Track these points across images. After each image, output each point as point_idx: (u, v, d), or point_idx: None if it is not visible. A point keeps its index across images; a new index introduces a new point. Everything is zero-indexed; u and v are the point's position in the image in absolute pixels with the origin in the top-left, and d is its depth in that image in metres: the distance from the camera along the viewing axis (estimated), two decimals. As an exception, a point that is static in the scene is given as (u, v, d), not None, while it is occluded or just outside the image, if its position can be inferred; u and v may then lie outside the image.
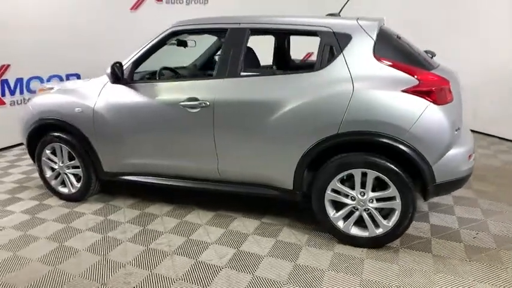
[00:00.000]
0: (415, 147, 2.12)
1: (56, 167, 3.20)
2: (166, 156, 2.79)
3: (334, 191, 2.36)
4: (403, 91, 2.13)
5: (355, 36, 2.30)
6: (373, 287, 2.02)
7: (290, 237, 2.58)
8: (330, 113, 2.23)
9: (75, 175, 3.18)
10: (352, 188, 2.33)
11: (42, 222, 2.89)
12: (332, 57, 2.32)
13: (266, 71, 2.70)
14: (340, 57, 2.29)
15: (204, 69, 3.71)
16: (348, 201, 2.35)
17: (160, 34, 2.75)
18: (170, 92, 2.69)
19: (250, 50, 2.66)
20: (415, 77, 2.17)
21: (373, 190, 2.29)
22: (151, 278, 2.16)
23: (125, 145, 2.87)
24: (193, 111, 2.56)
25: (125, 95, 2.79)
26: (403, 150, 2.13)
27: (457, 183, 2.26)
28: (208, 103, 2.51)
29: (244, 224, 2.79)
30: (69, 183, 3.20)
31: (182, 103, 2.58)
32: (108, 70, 2.68)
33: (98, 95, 2.89)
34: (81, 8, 5.90)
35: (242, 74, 2.50)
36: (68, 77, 6.10)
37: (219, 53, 3.67)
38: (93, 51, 6.04)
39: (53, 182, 3.27)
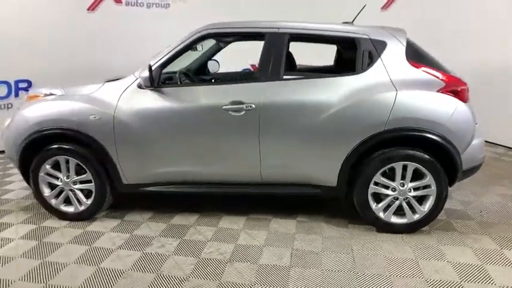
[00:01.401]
0: (449, 139, 2.44)
1: (58, 183, 2.83)
2: (203, 162, 2.69)
3: (376, 184, 2.57)
4: (438, 91, 2.45)
5: (389, 42, 2.56)
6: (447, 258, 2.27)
7: (333, 231, 2.71)
8: (377, 112, 2.43)
9: (82, 190, 2.85)
10: (391, 180, 2.56)
11: (57, 246, 2.54)
12: (371, 61, 2.54)
13: (308, 73, 2.80)
14: (379, 61, 2.52)
15: (199, 73, 3.63)
16: (389, 192, 2.58)
17: (191, 36, 2.66)
18: (208, 96, 2.61)
19: (289, 54, 2.73)
20: (441, 79, 2.51)
21: (410, 180, 2.56)
22: (225, 287, 2.09)
23: (154, 154, 2.69)
24: (238, 115, 2.54)
25: (154, 100, 2.62)
26: (440, 143, 2.43)
27: (475, 169, 2.65)
28: (253, 106, 2.52)
29: (282, 224, 2.84)
30: (75, 200, 2.86)
31: (225, 107, 2.54)
32: (145, 74, 2.49)
33: (118, 100, 2.66)
34: (33, 8, 5.25)
35: (285, 77, 2.57)
36: (18, 83, 5.37)
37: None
38: (46, 56, 5.44)
39: (53, 201, 2.88)
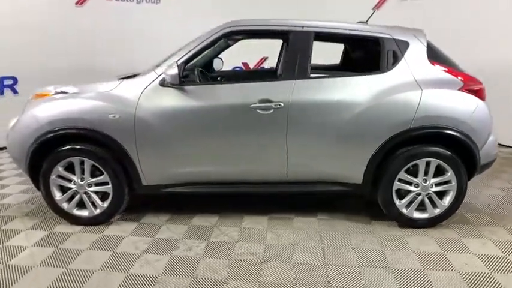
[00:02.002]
0: (471, 136, 2.53)
1: (71, 186, 2.68)
2: (229, 161, 2.64)
3: (400, 180, 2.63)
4: (459, 90, 2.54)
5: (411, 43, 2.62)
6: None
7: (357, 228, 2.74)
8: (404, 110, 2.49)
9: (96, 193, 2.71)
10: (414, 176, 2.63)
11: (77, 253, 2.40)
12: (395, 61, 2.59)
13: (335, 72, 2.80)
14: (403, 61, 2.58)
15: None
16: (412, 188, 2.65)
17: (214, 34, 2.59)
18: (235, 94, 2.56)
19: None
20: (460, 78, 2.60)
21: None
22: None
23: (177, 153, 2.60)
24: (266, 113, 2.51)
25: (178, 98, 2.53)
26: (463, 139, 2.52)
27: (490, 163, 2.77)
28: (282, 104, 2.50)
29: (305, 222, 2.84)
30: (89, 203, 2.71)
31: (253, 105, 2.50)
32: (173, 71, 2.40)
33: (139, 98, 2.55)
34: (20, 2, 4.94)
35: (312, 75, 2.57)
36: (3, 80, 5.04)
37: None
38: (33, 52, 5.15)
39: (65, 205, 2.72)
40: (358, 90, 2.54)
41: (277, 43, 6.58)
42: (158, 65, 2.68)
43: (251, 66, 7.23)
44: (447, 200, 2.66)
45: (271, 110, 2.50)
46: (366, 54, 2.93)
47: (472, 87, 2.59)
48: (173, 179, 2.70)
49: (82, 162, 2.63)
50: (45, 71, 5.28)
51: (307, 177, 2.70)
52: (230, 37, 2.66)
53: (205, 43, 2.60)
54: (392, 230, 2.72)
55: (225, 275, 2.17)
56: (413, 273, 2.19)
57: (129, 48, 6.14)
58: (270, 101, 2.50)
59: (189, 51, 2.59)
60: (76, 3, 5.61)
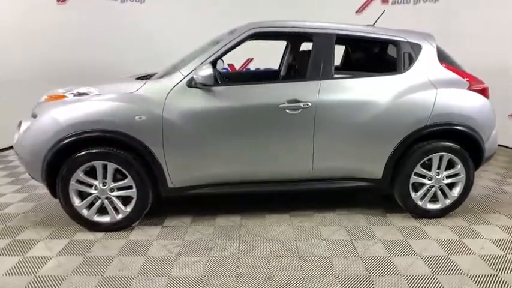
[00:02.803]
0: (478, 131, 2.76)
1: (92, 191, 2.58)
2: (256, 160, 2.67)
3: (416, 174, 2.81)
4: (468, 89, 2.76)
5: (423, 45, 2.81)
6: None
7: (377, 220, 2.89)
8: (422, 108, 2.66)
9: (118, 198, 2.64)
10: (428, 170, 2.82)
11: (108, 260, 2.32)
12: (410, 62, 2.76)
13: (356, 73, 2.91)
14: (417, 62, 2.76)
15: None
16: (426, 181, 2.84)
17: (240, 35, 2.62)
18: (264, 94, 2.59)
19: None
20: (466, 79, 2.83)
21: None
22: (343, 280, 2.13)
23: (205, 154, 2.59)
24: (294, 113, 2.57)
25: (206, 99, 2.53)
26: (472, 134, 2.74)
27: (491, 157, 3.03)
28: (310, 104, 2.58)
29: (325, 217, 2.93)
30: (111, 209, 2.63)
31: (282, 105, 2.56)
32: (207, 72, 2.39)
33: (165, 99, 2.51)
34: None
35: (335, 76, 2.67)
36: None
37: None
38: (12, 50, 4.83)
39: (84, 212, 2.61)
40: (379, 90, 2.68)
41: (263, 44, 6.68)
42: (176, 67, 2.66)
43: (237, 67, 7.27)
44: (456, 191, 2.88)
45: (300, 110, 2.57)
46: (382, 56, 3.08)
47: (477, 86, 2.83)
48: (200, 180, 2.69)
49: (104, 166, 2.54)
50: (26, 70, 4.99)
51: (331, 174, 2.80)
52: (253, 38, 2.69)
53: (231, 44, 2.62)
54: (409, 221, 2.89)
55: (266, 272, 2.21)
56: (440, 260, 2.35)
57: (112, 47, 5.93)
58: (298, 101, 2.57)
59: (215, 53, 2.59)
60: (58, 0, 5.34)
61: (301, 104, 2.57)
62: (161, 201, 2.92)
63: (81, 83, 2.76)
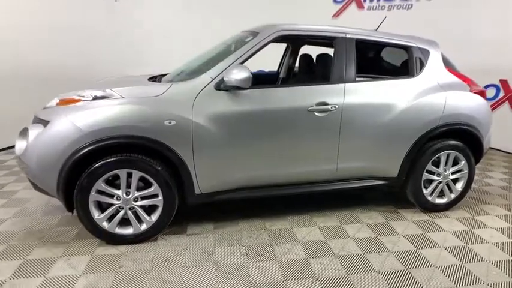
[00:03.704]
0: (479, 129, 3.02)
1: (114, 202, 2.41)
2: (285, 163, 2.67)
3: (427, 171, 3.00)
4: (470, 92, 3.01)
5: (431, 51, 3.01)
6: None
7: (393, 216, 3.03)
8: (435, 110, 2.84)
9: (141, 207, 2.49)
10: (436, 167, 3.03)
11: (145, 273, 2.18)
12: (421, 67, 2.94)
13: (376, 76, 3.01)
14: (427, 67, 2.95)
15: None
16: (435, 177, 3.04)
17: (266, 37, 2.60)
18: (292, 97, 2.60)
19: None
20: (467, 82, 3.09)
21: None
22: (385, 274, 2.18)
23: (234, 159, 2.54)
24: (322, 116, 2.62)
25: (236, 102, 2.47)
26: (475, 133, 2.99)
27: (486, 153, 3.33)
28: (337, 107, 2.64)
29: (344, 216, 3.02)
30: (135, 219, 2.47)
31: (311, 108, 2.59)
32: (244, 74, 2.33)
33: (193, 102, 2.42)
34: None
35: (357, 79, 2.76)
36: None
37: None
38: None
39: (105, 225, 2.43)
40: (396, 92, 2.82)
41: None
42: (198, 69, 2.59)
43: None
44: (460, 186, 3.13)
45: (327, 113, 2.62)
46: (394, 60, 3.24)
47: (477, 89, 3.10)
48: (227, 185, 2.63)
49: (128, 175, 2.38)
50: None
51: (352, 174, 2.89)
52: (278, 41, 2.69)
53: (257, 47, 2.58)
54: (420, 216, 3.08)
55: (310, 274, 2.22)
56: (461, 249, 2.55)
57: (83, 46, 5.56)
58: (326, 104, 2.62)
59: (242, 56, 2.54)
60: (28, -5, 4.86)
61: (329, 107, 2.62)
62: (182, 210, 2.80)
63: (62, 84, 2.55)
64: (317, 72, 3.03)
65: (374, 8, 6.65)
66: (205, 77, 2.50)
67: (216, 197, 2.63)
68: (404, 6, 6.36)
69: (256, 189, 2.72)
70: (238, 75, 2.35)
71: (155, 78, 3.06)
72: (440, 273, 2.27)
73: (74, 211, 2.39)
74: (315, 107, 2.60)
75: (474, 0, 5.52)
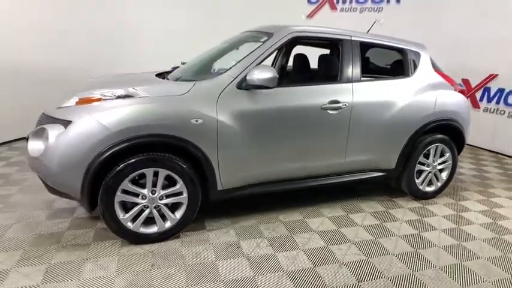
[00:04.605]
0: (462, 124, 3.41)
1: (140, 201, 2.40)
2: (299, 158, 2.82)
3: (419, 163, 3.32)
4: (455, 90, 3.38)
5: (421, 53, 3.33)
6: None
7: (388, 205, 3.32)
8: (428, 106, 3.17)
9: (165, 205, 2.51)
10: (426, 158, 3.37)
11: (183, 269, 2.21)
12: (414, 68, 3.25)
13: (378, 76, 3.23)
14: (419, 68, 3.26)
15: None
16: (425, 168, 3.38)
17: (282, 38, 2.72)
18: (307, 96, 2.75)
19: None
20: (450, 82, 3.46)
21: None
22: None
23: (254, 155, 2.64)
24: (334, 113, 2.81)
25: (257, 101, 2.57)
26: (458, 127, 3.37)
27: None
28: (347, 104, 2.84)
29: (348, 206, 3.25)
30: (159, 218, 2.49)
31: (324, 106, 2.76)
32: (270, 74, 2.42)
33: (217, 101, 2.49)
34: None
35: (362, 79, 2.99)
36: None
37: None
38: None
39: (129, 225, 2.42)
40: (396, 91, 3.10)
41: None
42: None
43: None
44: (445, 175, 3.50)
45: (339, 110, 2.82)
46: (391, 61, 3.52)
47: (459, 88, 3.48)
48: (246, 181, 2.72)
49: (154, 174, 2.39)
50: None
51: (358, 167, 3.12)
52: (292, 42, 2.82)
53: (274, 47, 2.70)
54: (413, 203, 3.40)
55: (336, 260, 2.41)
56: (455, 231, 2.89)
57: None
58: (338, 102, 2.81)
59: (260, 56, 2.64)
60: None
61: (341, 105, 2.82)
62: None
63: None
64: (322, 71, 3.21)
65: (346, 9, 7.01)
66: (227, 76, 2.56)
67: (236, 192, 2.71)
68: (375, 9, 6.79)
69: (272, 184, 2.84)
70: (263, 74, 2.45)
71: (163, 75, 3.08)
72: (445, 252, 2.56)
73: (92, 212, 2.35)
74: (327, 105, 2.78)
75: (439, 4, 6.04)
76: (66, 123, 2.26)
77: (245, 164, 2.65)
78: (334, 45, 3.00)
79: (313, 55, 3.62)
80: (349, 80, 2.93)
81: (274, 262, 2.35)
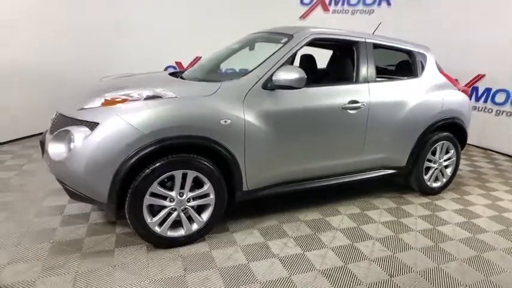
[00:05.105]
0: (465, 122, 3.56)
1: (168, 204, 2.35)
2: (321, 157, 2.85)
3: (427, 160, 3.45)
4: (458, 90, 3.52)
5: (427, 55, 3.45)
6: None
7: (400, 201, 3.42)
8: (436, 106, 3.29)
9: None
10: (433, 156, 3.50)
11: (223, 275, 2.18)
12: (422, 69, 3.36)
13: (391, 76, 3.31)
14: (426, 69, 3.38)
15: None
16: (432, 165, 3.50)
17: (302, 40, 2.74)
18: (329, 96, 2.78)
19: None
20: (452, 82, 3.61)
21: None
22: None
23: (279, 155, 2.64)
24: (353, 113, 2.86)
25: (281, 101, 2.58)
26: (462, 125, 3.52)
27: (466, 140, 3.90)
28: (365, 104, 2.90)
29: (363, 203, 3.32)
30: (186, 221, 2.44)
31: (344, 106, 2.81)
32: (298, 75, 2.42)
33: (243, 101, 2.47)
34: None
35: (377, 79, 3.06)
36: None
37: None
38: None
39: (157, 229, 2.35)
40: (408, 91, 3.19)
41: (212, 43, 6.81)
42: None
43: (185, 65, 7.07)
44: (449, 171, 3.65)
45: (357, 110, 2.87)
46: (395, 62, 3.61)
47: (461, 88, 3.64)
48: (270, 181, 2.72)
49: (183, 176, 2.34)
50: None
51: (373, 165, 3.19)
52: (311, 43, 2.84)
53: (295, 49, 2.72)
54: (421, 199, 3.52)
55: (364, 256, 2.45)
56: (467, 224, 3.02)
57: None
58: (357, 102, 2.86)
59: (283, 57, 2.64)
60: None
61: (360, 105, 2.87)
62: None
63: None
64: (335, 72, 3.25)
65: (339, 11, 7.15)
66: (253, 76, 2.55)
67: (259, 192, 2.70)
68: (367, 11, 6.96)
69: (293, 183, 2.85)
70: (291, 75, 2.45)
71: (176, 75, 3.03)
72: (463, 245, 2.68)
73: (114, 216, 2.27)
74: (347, 105, 2.83)
75: (429, 6, 6.26)
76: (92, 125, 2.17)
77: (270, 164, 2.65)
78: (347, 47, 3.06)
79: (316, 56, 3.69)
80: (366, 80, 2.99)
81: (306, 261, 2.36)
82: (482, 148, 5.67)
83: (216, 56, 3.40)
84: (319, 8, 7.20)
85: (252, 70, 2.60)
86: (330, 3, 7.09)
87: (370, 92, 2.96)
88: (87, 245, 2.42)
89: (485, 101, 5.53)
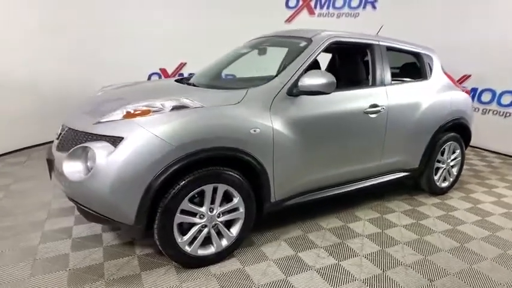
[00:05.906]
0: (469, 122, 3.66)
1: (198, 220, 2.20)
2: (345, 163, 2.81)
3: (437, 161, 3.50)
4: (462, 91, 3.62)
5: (433, 57, 3.52)
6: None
7: (413, 203, 3.44)
8: (446, 107, 3.35)
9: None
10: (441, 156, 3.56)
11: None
12: (430, 70, 3.42)
13: (404, 79, 3.31)
14: (434, 71, 3.44)
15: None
16: (441, 165, 3.57)
17: (321, 44, 2.68)
18: (352, 100, 2.74)
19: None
20: (456, 83, 3.71)
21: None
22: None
23: (305, 163, 2.56)
24: (373, 117, 2.84)
25: (306, 107, 2.50)
26: (467, 126, 3.61)
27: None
28: (384, 108, 2.89)
29: (377, 207, 3.31)
30: (216, 237, 2.30)
31: (366, 110, 2.78)
32: (328, 79, 2.34)
33: (270, 109, 2.37)
34: None
35: (392, 82, 3.07)
36: None
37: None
38: None
39: (187, 248, 2.20)
40: (420, 93, 3.24)
41: (196, 49, 6.67)
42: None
43: (169, 72, 6.87)
44: (455, 171, 3.73)
45: (378, 114, 2.86)
46: (405, 65, 3.65)
47: (464, 89, 3.75)
48: (296, 190, 2.63)
49: (214, 190, 2.20)
50: None
51: (390, 168, 3.19)
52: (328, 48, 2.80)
53: (316, 53, 2.66)
54: (432, 199, 3.57)
55: (398, 263, 2.42)
56: (483, 223, 3.08)
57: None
58: (377, 106, 2.85)
59: (305, 62, 2.57)
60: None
61: (379, 108, 2.86)
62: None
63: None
64: (348, 75, 3.21)
65: (324, 15, 7.21)
66: (277, 83, 2.46)
67: (286, 203, 2.61)
68: (352, 15, 7.07)
69: (317, 191, 2.78)
70: (320, 80, 2.37)
71: (182, 82, 2.91)
72: (485, 244, 2.72)
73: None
74: (369, 109, 2.81)
75: (414, 8, 6.42)
76: (114, 139, 1.99)
77: (297, 173, 2.56)
78: (360, 50, 3.06)
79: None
80: (383, 84, 2.99)
81: (344, 272, 2.30)
82: (471, 146, 5.89)
83: (224, 60, 3.28)
84: (304, 12, 7.23)
85: (276, 76, 2.51)
86: (315, 7, 7.14)
87: (388, 95, 2.96)
88: (109, 271, 2.22)
89: (472, 100, 5.75)
